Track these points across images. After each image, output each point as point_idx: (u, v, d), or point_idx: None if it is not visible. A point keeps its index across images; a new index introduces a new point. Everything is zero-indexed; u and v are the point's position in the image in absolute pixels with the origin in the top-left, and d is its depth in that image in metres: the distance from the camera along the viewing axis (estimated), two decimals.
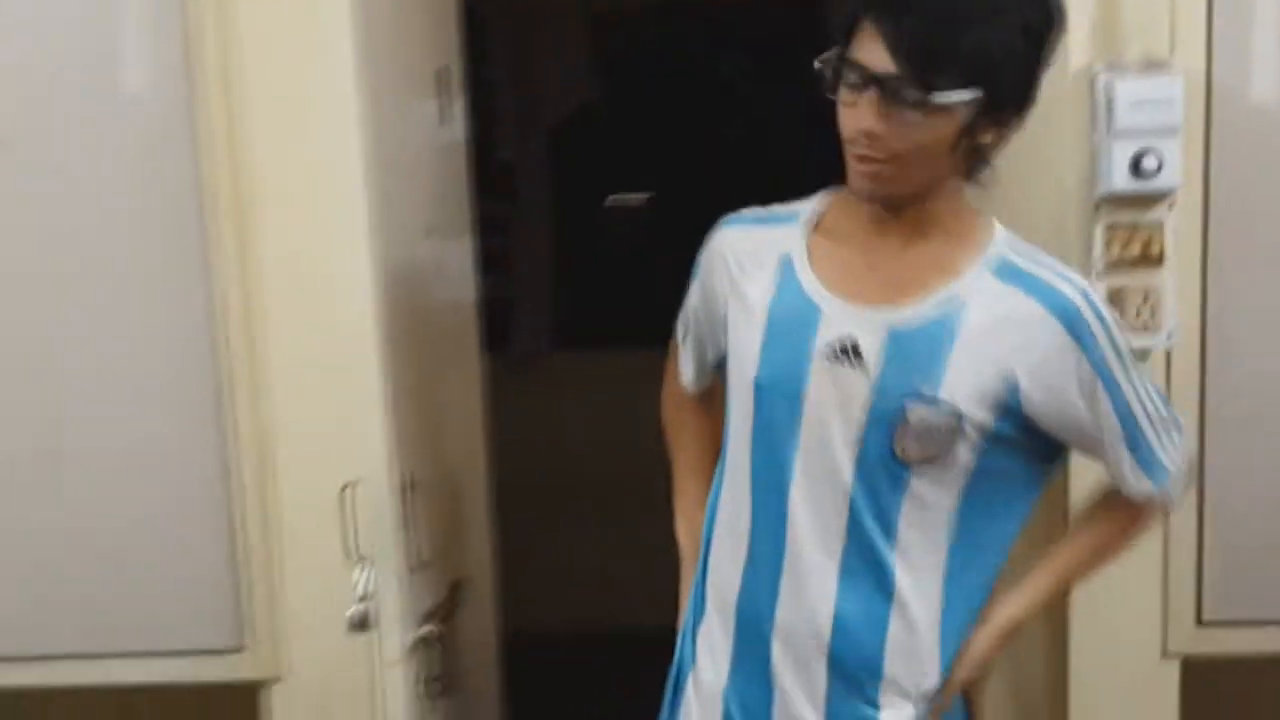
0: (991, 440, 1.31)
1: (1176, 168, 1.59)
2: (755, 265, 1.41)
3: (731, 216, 1.47)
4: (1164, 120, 1.57)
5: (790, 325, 1.36)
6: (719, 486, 1.48)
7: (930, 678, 1.38)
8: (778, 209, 1.45)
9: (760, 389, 1.38)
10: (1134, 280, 1.64)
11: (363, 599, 1.64)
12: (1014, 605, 1.41)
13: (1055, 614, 1.79)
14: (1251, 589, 1.78)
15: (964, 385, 1.29)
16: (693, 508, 1.57)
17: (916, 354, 1.31)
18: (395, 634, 1.66)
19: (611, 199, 4.13)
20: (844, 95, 1.26)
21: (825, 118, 1.32)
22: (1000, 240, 1.33)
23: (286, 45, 1.63)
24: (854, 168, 1.28)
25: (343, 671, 1.75)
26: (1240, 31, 1.65)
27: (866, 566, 1.35)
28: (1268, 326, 1.71)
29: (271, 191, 1.67)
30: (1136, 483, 1.37)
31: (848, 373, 1.32)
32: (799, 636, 1.38)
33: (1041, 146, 1.70)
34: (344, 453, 1.68)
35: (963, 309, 1.30)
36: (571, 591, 3.23)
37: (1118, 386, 1.31)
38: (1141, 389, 1.34)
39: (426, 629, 1.71)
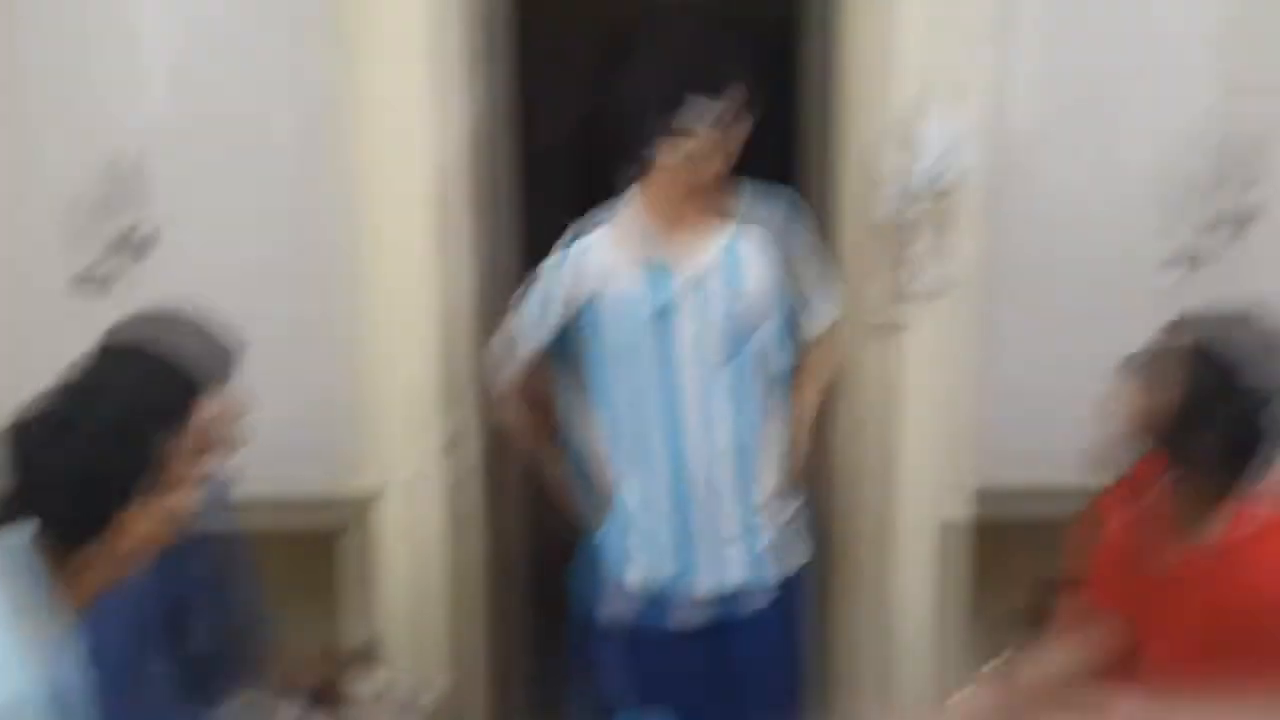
0: (773, 309, 2.17)
1: (961, 170, 2.44)
2: (607, 257, 2.13)
3: (569, 243, 2.16)
4: (952, 140, 2.44)
5: (653, 286, 2.11)
6: (602, 404, 2.16)
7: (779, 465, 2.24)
8: (593, 221, 2.16)
9: (642, 330, 2.10)
10: (937, 243, 2.51)
11: (452, 432, 2.54)
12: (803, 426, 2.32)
13: (887, 484, 2.70)
14: (1023, 450, 2.62)
15: (755, 282, 2.13)
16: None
17: (728, 276, 2.12)
18: (473, 452, 2.54)
19: None
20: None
21: None
22: (737, 191, 2.17)
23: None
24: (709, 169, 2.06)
25: (426, 480, 2.62)
26: (1008, 82, 2.52)
27: (738, 412, 2.16)
28: (1023, 270, 2.58)
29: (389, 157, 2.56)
30: (814, 318, 2.26)
31: (694, 300, 2.10)
32: (706, 464, 2.14)
33: (880, 157, 2.65)
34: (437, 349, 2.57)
35: (738, 240, 2.14)
36: None
37: (806, 251, 2.24)
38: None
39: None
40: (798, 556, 2.27)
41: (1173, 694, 2.02)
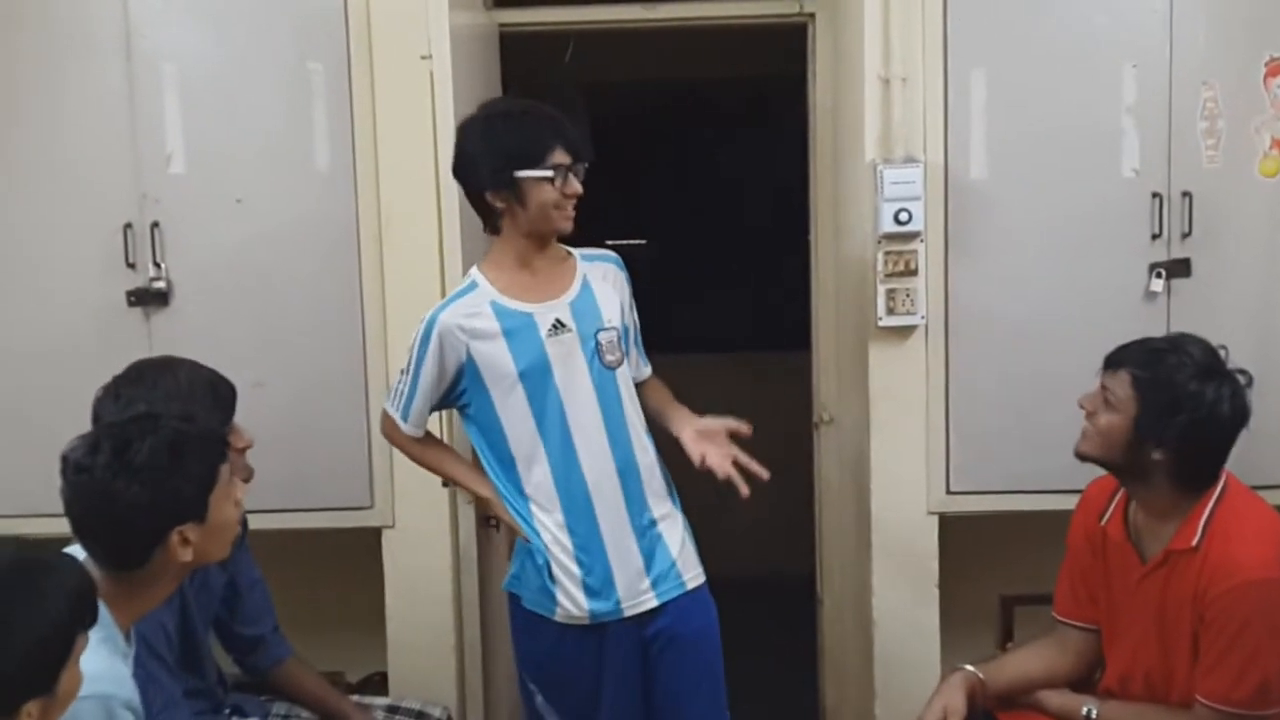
0: (624, 337, 2.31)
1: (920, 219, 2.69)
2: (476, 318, 2.22)
3: (435, 309, 2.25)
4: (912, 192, 2.68)
5: (522, 333, 2.23)
6: (502, 451, 2.26)
7: (662, 476, 2.35)
8: (457, 291, 2.29)
9: (523, 375, 2.22)
10: (901, 284, 2.73)
11: None
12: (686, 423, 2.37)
13: (862, 487, 2.92)
14: (982, 469, 2.83)
15: (611, 311, 2.29)
16: (476, 470, 2.37)
17: (586, 310, 2.27)
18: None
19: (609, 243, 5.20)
20: (568, 179, 2.20)
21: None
22: (571, 249, 2.35)
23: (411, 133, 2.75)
24: (563, 216, 2.21)
25: (432, 519, 2.83)
26: (962, 141, 2.76)
27: (621, 430, 2.28)
28: (978, 309, 2.79)
29: (398, 224, 2.79)
30: (642, 368, 2.42)
31: (564, 337, 2.25)
32: (603, 484, 2.26)
33: (852, 206, 2.91)
34: None
35: (588, 279, 2.31)
36: None
37: (633, 303, 2.39)
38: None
39: None
40: (697, 571, 2.37)
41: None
